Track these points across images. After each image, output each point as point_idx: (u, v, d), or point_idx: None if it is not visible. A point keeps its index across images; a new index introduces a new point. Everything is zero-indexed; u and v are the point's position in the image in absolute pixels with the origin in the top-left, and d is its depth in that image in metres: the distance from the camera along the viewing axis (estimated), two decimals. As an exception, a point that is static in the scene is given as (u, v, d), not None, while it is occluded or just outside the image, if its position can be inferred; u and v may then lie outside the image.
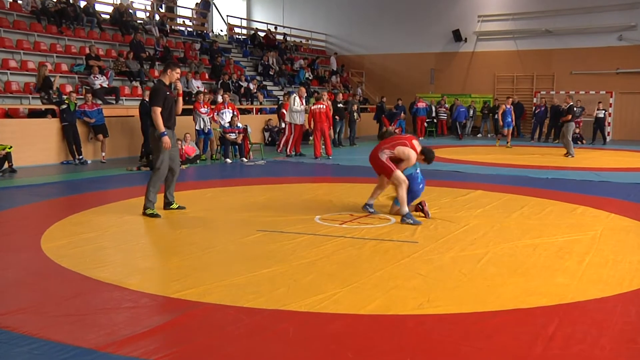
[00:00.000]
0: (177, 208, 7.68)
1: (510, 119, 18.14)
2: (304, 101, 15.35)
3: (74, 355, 3.33)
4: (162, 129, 7.15)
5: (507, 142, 18.38)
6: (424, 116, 22.61)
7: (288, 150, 15.14)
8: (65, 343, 3.48)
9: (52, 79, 13.59)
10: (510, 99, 19.14)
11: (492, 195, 8.97)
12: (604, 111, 20.82)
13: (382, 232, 6.48)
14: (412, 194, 7.23)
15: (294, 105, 14.83)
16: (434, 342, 3.58)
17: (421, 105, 22.61)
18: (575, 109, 21.25)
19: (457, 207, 7.91)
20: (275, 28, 26.66)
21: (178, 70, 7.46)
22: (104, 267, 5.11)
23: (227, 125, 14.02)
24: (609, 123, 22.09)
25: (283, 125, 16.26)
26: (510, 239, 6.15)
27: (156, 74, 17.79)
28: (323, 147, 15.00)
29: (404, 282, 4.68)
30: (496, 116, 23.93)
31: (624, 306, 4.20)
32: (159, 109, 7.15)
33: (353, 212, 7.57)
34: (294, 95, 15.22)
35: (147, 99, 13.49)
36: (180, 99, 7.58)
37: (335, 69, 26.42)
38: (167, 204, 7.67)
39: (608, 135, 22.09)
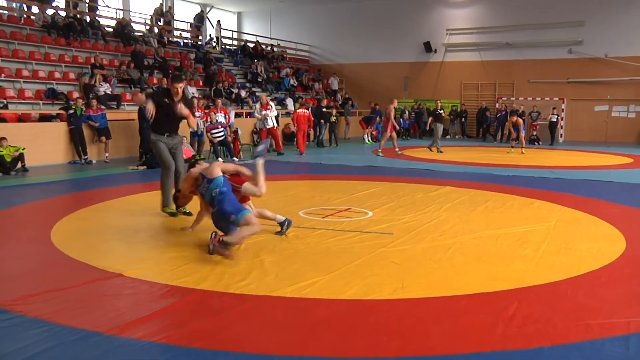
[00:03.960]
0: (170, 213, 6.85)
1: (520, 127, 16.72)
2: (270, 106, 15.07)
3: (81, 337, 3.30)
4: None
5: (522, 147, 16.85)
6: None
7: None
8: (73, 326, 3.44)
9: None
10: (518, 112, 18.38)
11: (459, 191, 9.03)
12: (556, 116, 21.44)
13: (361, 224, 6.49)
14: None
15: (254, 112, 14.79)
16: (407, 324, 3.61)
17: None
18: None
19: (428, 202, 7.95)
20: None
21: (175, 85, 6.51)
22: (107, 257, 5.06)
23: (208, 123, 13.93)
24: (561, 126, 22.47)
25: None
26: (476, 230, 6.20)
27: (155, 81, 17.65)
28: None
29: (380, 269, 4.70)
30: (463, 119, 24.16)
31: (573, 289, 4.26)
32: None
33: (334, 206, 7.58)
34: (256, 103, 15.14)
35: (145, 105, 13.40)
36: (184, 112, 6.61)
37: (335, 88, 26.29)
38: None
39: (561, 137, 22.50)
